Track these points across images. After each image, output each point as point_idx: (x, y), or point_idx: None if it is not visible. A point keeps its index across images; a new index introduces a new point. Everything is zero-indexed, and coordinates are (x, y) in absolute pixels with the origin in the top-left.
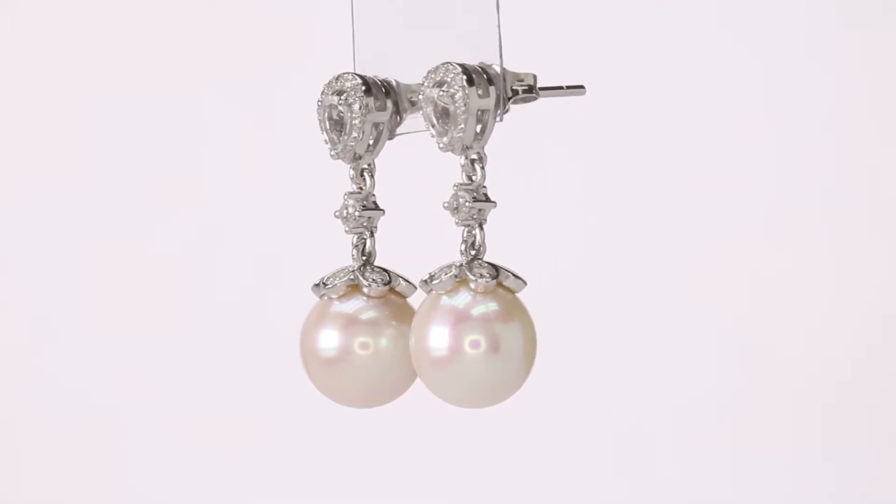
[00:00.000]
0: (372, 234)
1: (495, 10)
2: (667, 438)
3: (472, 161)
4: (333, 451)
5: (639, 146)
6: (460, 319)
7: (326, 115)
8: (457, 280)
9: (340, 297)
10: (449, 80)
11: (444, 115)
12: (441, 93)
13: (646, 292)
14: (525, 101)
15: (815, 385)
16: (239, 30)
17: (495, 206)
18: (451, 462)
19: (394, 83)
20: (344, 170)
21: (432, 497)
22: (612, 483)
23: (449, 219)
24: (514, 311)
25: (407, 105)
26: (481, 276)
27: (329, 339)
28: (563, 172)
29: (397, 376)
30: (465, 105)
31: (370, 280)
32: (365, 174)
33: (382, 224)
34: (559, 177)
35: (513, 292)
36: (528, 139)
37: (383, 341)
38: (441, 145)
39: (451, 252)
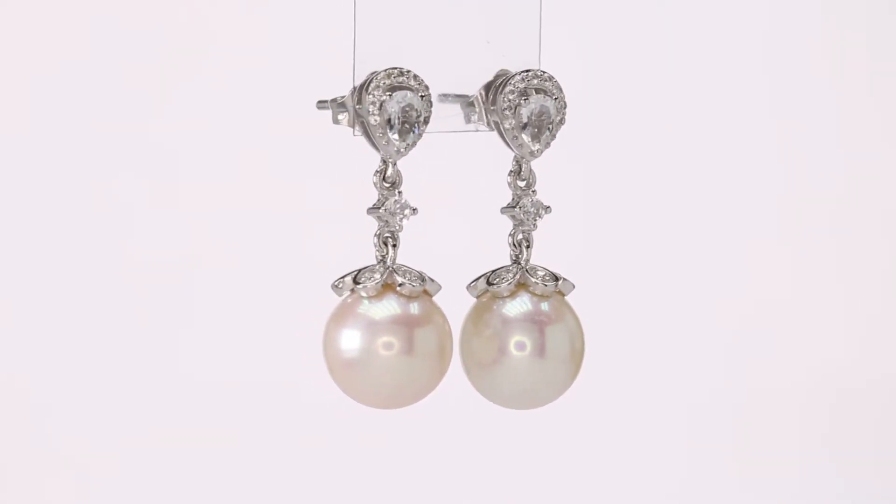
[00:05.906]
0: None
1: (537, 20)
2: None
3: (531, 168)
4: (348, 453)
5: (643, 149)
6: (506, 321)
7: (399, 112)
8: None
9: (371, 298)
10: (547, 88)
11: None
12: (552, 100)
13: (657, 296)
14: None
15: (825, 391)
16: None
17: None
18: (457, 462)
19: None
20: (339, 168)
21: (448, 498)
22: (623, 488)
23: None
24: (562, 314)
25: None
26: (543, 279)
27: (351, 340)
28: (566, 177)
29: (422, 377)
30: (565, 112)
31: (407, 278)
32: (397, 174)
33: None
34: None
35: (562, 295)
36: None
37: (408, 341)
38: (535, 151)
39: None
